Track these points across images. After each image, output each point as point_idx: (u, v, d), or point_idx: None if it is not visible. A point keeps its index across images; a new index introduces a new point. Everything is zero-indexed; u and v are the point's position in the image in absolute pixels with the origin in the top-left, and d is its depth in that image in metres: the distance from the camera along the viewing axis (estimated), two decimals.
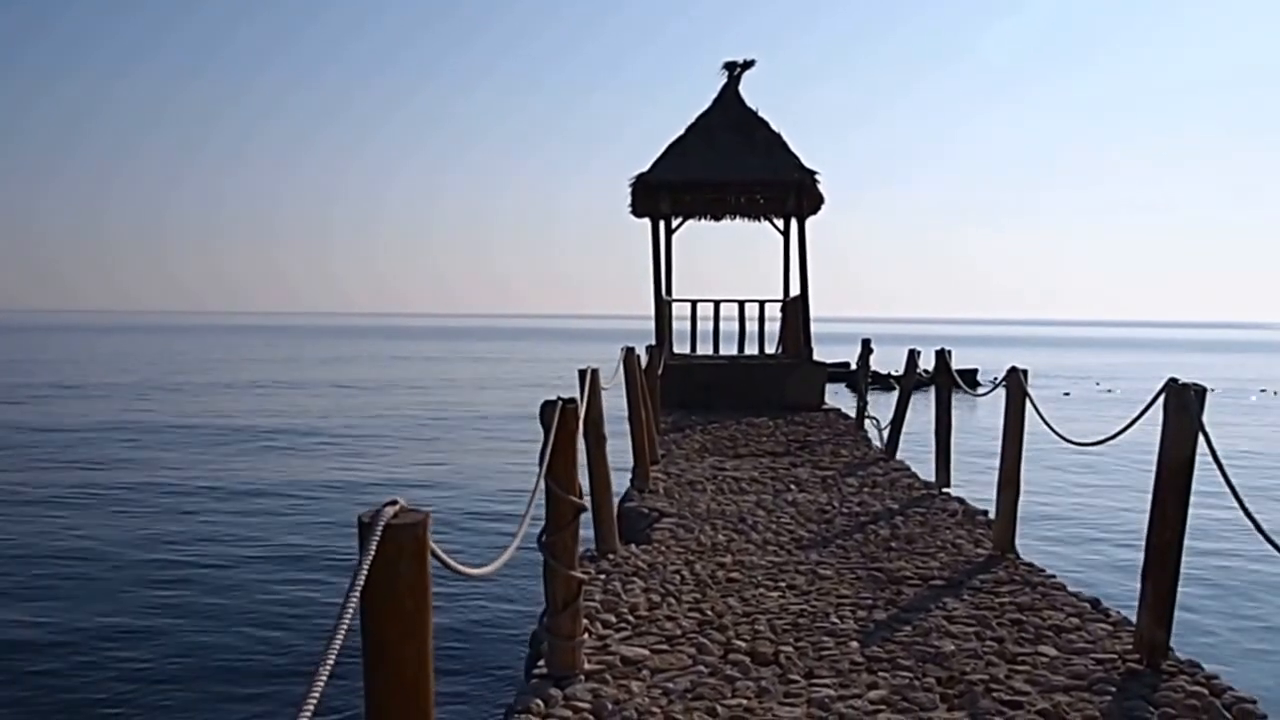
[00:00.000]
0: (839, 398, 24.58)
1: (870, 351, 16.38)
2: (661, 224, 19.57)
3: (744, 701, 4.54)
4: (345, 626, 2.20)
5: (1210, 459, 4.74)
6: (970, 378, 36.91)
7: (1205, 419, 4.88)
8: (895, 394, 13.55)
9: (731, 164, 18.23)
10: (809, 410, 17.14)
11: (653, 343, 15.63)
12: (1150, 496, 5.07)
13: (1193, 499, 4.98)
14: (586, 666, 4.93)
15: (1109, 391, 39.76)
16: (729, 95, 19.11)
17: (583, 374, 7.25)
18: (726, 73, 19.32)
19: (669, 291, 19.49)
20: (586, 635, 5.25)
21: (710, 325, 19.33)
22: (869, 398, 16.24)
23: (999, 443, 7.68)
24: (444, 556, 2.74)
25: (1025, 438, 7.56)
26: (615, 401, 9.29)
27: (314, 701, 2.05)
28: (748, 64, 19.31)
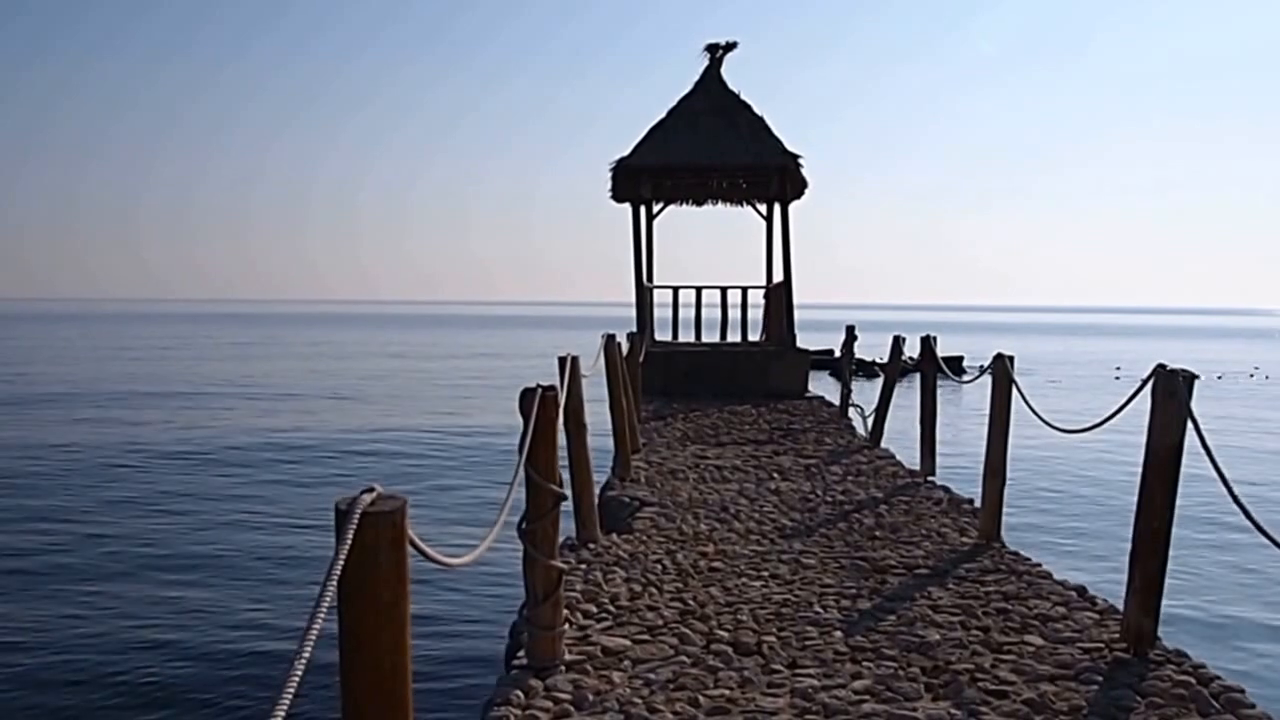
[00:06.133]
0: (822, 385, 24.59)
1: (854, 338, 16.33)
2: (643, 209, 19.49)
3: (727, 692, 4.49)
4: (322, 616, 2.15)
5: (1200, 445, 4.70)
6: (956, 365, 36.95)
7: (1194, 405, 4.84)
8: (880, 381, 13.51)
9: (714, 148, 18.14)
10: (792, 398, 17.10)
11: (634, 330, 15.56)
12: (1138, 484, 5.04)
13: (1181, 486, 4.94)
14: (567, 657, 4.86)
15: (1117, 379, 39.78)
16: (711, 78, 19.00)
17: (562, 361, 7.17)
18: (708, 55, 19.20)
19: (650, 278, 19.43)
20: (567, 625, 5.18)
21: (692, 312, 19.27)
22: (853, 385, 16.20)
23: (985, 430, 7.64)
24: (422, 545, 2.69)
25: (1011, 425, 7.52)
26: (596, 389, 9.22)
27: (290, 693, 2.02)
28: (729, 46, 19.20)
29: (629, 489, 9.39)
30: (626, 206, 19.21)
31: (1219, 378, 42.15)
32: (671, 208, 20.72)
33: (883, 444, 12.55)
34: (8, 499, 15.12)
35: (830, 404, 16.66)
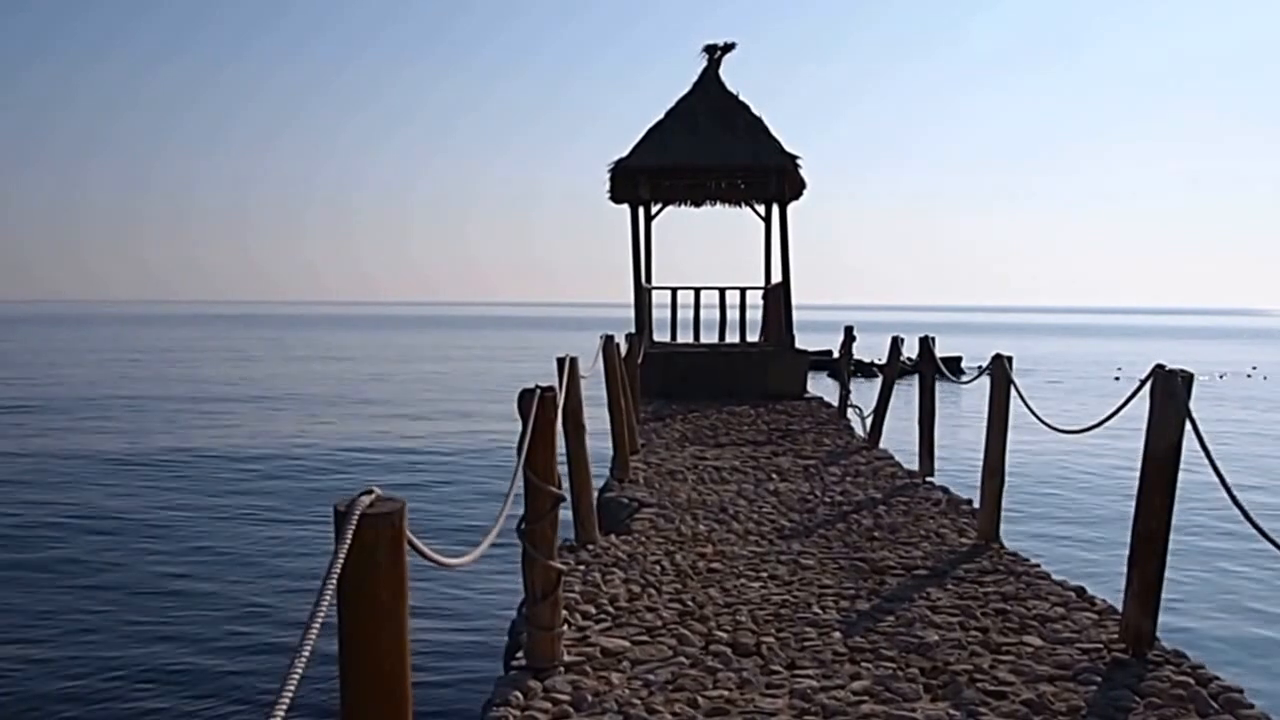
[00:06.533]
0: (821, 386, 24.59)
1: (853, 339, 16.34)
2: (641, 210, 19.48)
3: (725, 693, 4.49)
4: (321, 617, 2.15)
5: (1199, 446, 4.70)
6: (954, 365, 36.91)
7: (1192, 406, 4.85)
8: (878, 382, 13.51)
9: (712, 149, 18.12)
10: (791, 399, 17.10)
11: (632, 331, 15.54)
12: (1137, 484, 5.04)
13: (1179, 486, 4.94)
14: (566, 658, 4.86)
15: (1116, 379, 39.73)
16: (709, 79, 18.99)
17: (561, 362, 7.17)
18: (706, 56, 19.19)
19: (649, 279, 19.41)
20: (566, 626, 5.18)
21: (691, 313, 19.26)
22: (852, 386, 16.20)
23: (983, 431, 7.64)
24: (421, 546, 2.69)
25: (1010, 425, 7.52)
26: (595, 391, 9.21)
27: (290, 693, 2.01)
28: (728, 47, 19.19)
29: (628, 490, 9.39)
30: (625, 207, 19.21)
31: (1221, 376, 42.29)
32: (670, 208, 20.71)
33: (881, 445, 12.55)
34: (12, 499, 15.12)
35: (829, 405, 16.66)
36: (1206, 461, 4.65)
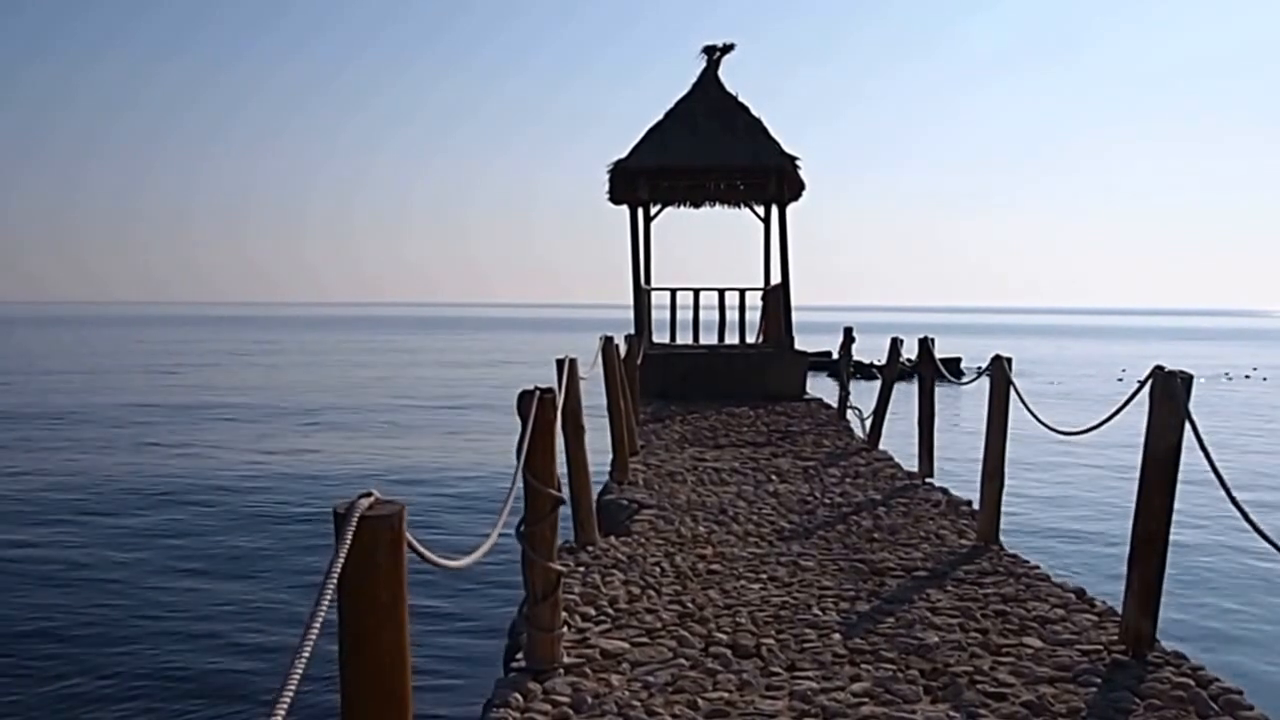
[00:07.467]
0: (821, 387, 24.57)
1: (852, 340, 16.33)
2: (640, 211, 19.48)
3: (725, 694, 4.49)
4: (321, 618, 2.15)
5: (1198, 447, 4.70)
6: (954, 366, 36.87)
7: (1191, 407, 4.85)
8: (878, 383, 13.51)
9: (712, 150, 18.12)
10: (790, 400, 17.09)
11: (632, 332, 15.52)
12: (1136, 486, 5.04)
13: (1179, 488, 4.94)
14: (565, 660, 4.86)
15: (1120, 380, 39.69)
16: (708, 80, 18.99)
17: (560, 363, 7.16)
18: (705, 57, 19.19)
19: (648, 280, 19.41)
20: (566, 628, 5.18)
21: (690, 314, 19.26)
22: (851, 387, 16.19)
23: (983, 432, 7.64)
24: (420, 548, 2.69)
25: (1010, 427, 7.52)
26: (594, 392, 9.21)
27: (290, 694, 2.01)
28: (727, 48, 19.19)
29: (627, 491, 9.39)
30: (624, 208, 19.21)
31: (1227, 377, 42.35)
32: (669, 210, 20.71)
33: (881, 446, 12.54)
34: (11, 500, 15.12)
35: (828, 406, 16.65)
36: (1206, 463, 4.65)
